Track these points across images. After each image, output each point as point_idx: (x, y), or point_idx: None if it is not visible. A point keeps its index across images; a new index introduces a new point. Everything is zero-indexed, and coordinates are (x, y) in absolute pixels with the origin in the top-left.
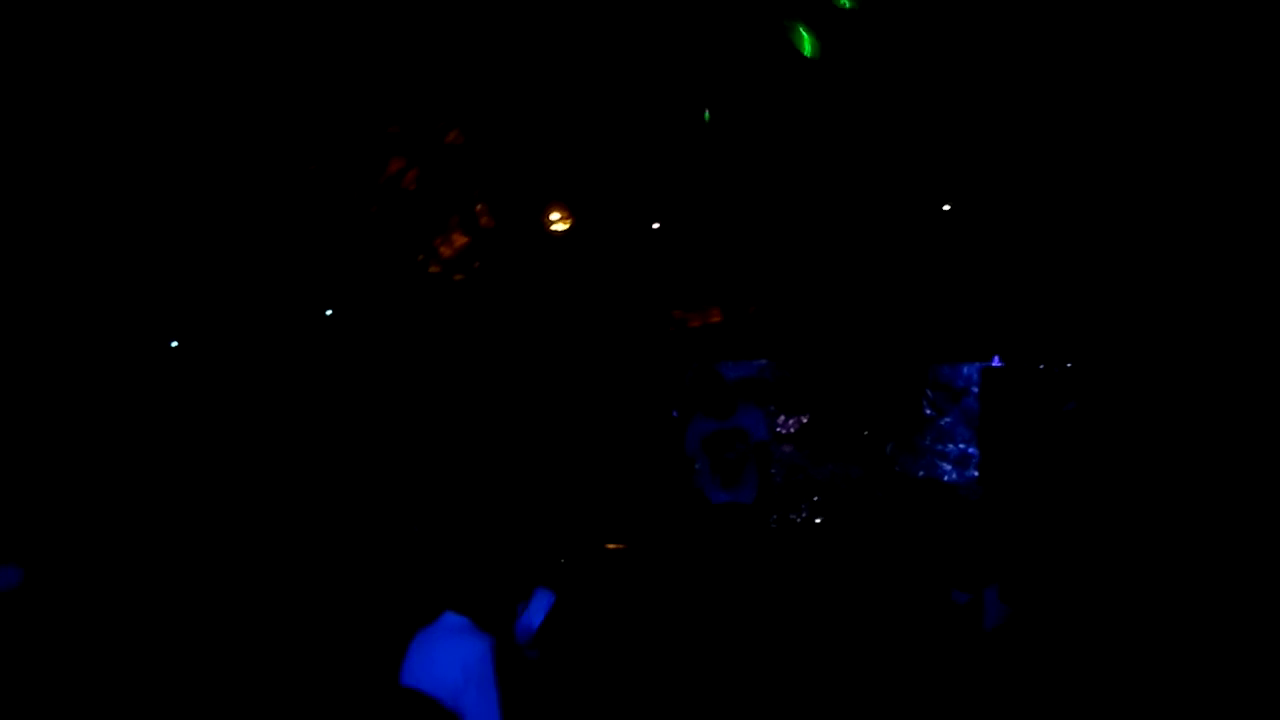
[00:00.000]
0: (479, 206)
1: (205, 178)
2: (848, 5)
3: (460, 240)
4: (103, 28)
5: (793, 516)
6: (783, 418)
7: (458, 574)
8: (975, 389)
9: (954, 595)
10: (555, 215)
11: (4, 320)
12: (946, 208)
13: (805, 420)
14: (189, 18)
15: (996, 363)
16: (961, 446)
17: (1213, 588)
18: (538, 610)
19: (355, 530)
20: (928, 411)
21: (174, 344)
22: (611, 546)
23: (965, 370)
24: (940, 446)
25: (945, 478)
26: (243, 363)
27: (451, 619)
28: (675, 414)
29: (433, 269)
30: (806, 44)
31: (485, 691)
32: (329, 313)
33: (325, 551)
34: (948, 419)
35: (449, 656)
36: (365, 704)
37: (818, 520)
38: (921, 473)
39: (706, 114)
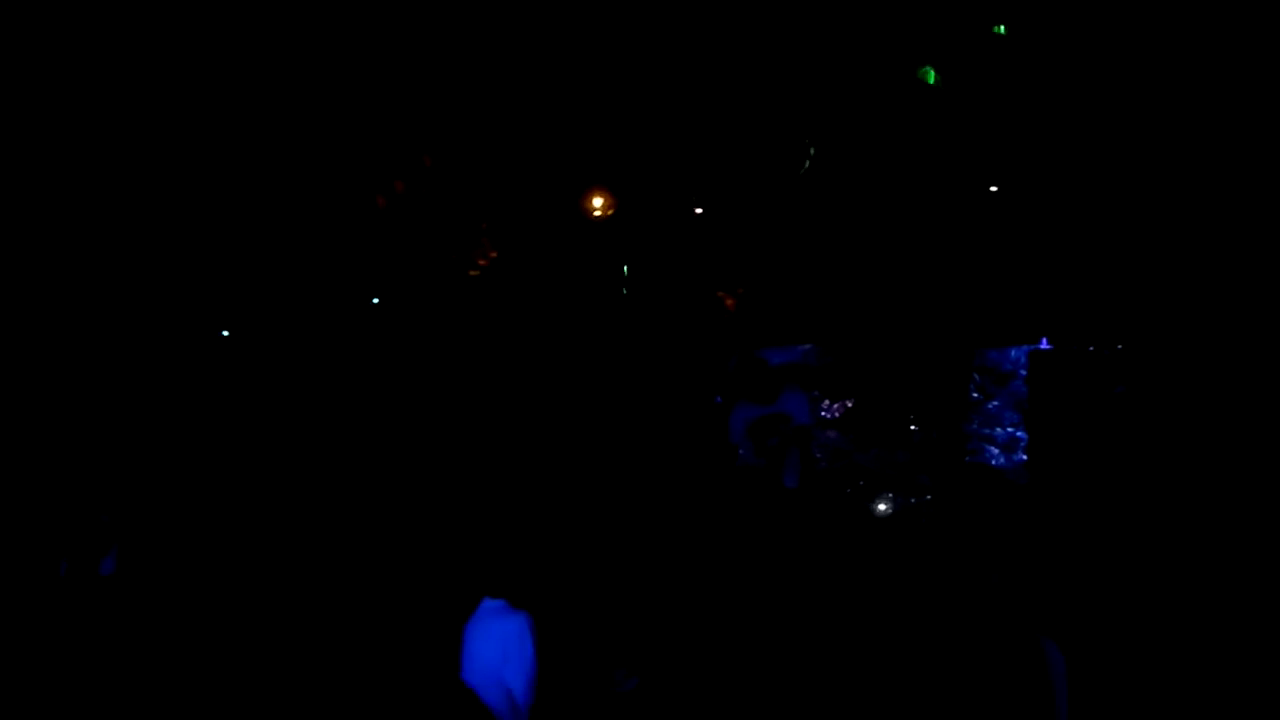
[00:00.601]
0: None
1: (233, 180)
2: (931, 80)
3: (502, 231)
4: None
5: (837, 502)
6: (827, 402)
7: (491, 559)
8: (1023, 372)
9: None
10: (598, 201)
11: (15, 319)
12: (994, 189)
13: (850, 405)
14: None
15: (1045, 345)
16: (1009, 430)
17: (1267, 576)
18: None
19: (385, 521)
20: (974, 395)
21: (225, 333)
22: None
23: (1013, 353)
24: (987, 430)
25: (993, 462)
26: (286, 359)
27: (489, 603)
28: (719, 400)
29: (479, 261)
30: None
31: (523, 664)
32: (375, 301)
33: (359, 545)
34: (995, 402)
35: (487, 637)
36: (417, 695)
37: (863, 505)
38: (968, 457)
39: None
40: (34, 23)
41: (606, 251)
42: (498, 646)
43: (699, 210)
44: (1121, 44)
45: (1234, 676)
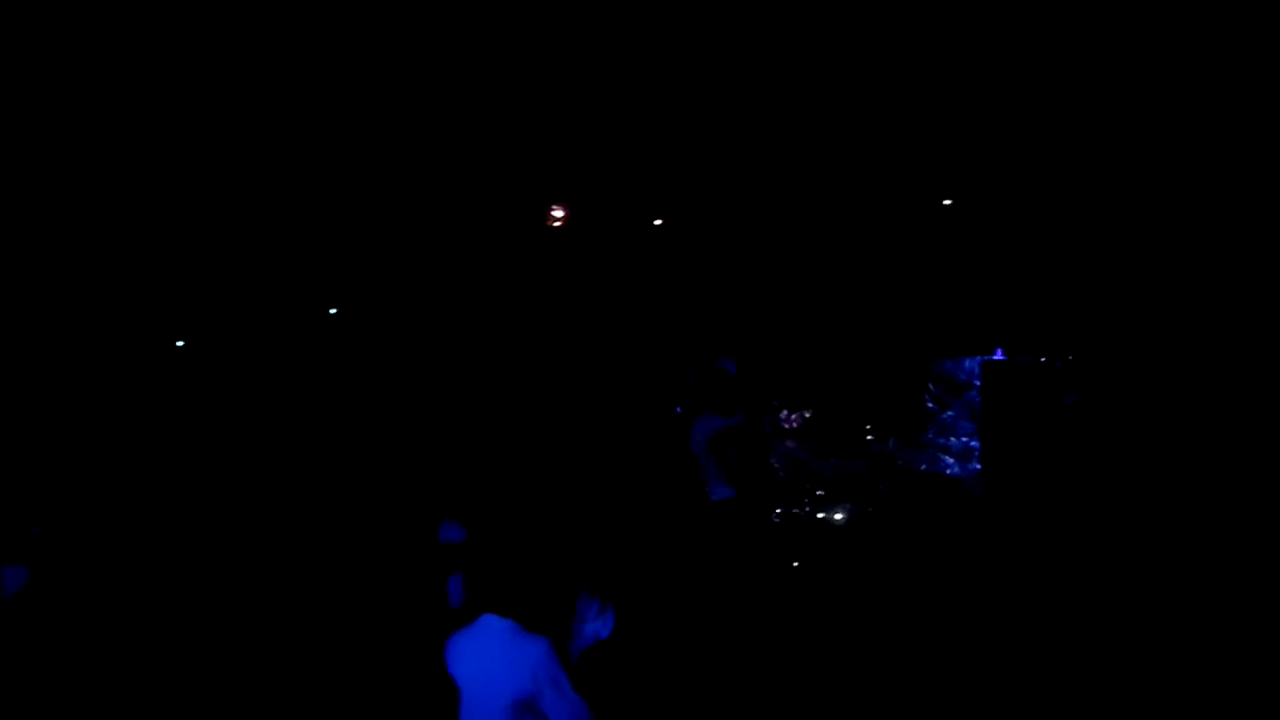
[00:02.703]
0: (484, 206)
1: (221, 181)
2: None
3: (466, 238)
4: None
5: (796, 511)
6: (785, 413)
7: (494, 575)
8: (977, 382)
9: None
10: (556, 211)
11: (7, 320)
12: (948, 203)
13: (808, 415)
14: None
15: (999, 355)
16: (964, 440)
17: (1211, 582)
18: (603, 624)
19: (368, 531)
20: (930, 405)
21: (179, 344)
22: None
23: (967, 364)
24: (943, 440)
25: (948, 471)
26: (272, 366)
27: (494, 621)
28: (679, 411)
29: (439, 268)
30: None
31: (561, 691)
32: (332, 311)
33: (344, 552)
34: (950, 412)
35: (514, 660)
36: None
37: (820, 515)
38: (924, 466)
39: None
40: (34, 23)
41: (565, 262)
42: (527, 671)
43: (658, 222)
44: (1064, 69)
45: (1182, 677)
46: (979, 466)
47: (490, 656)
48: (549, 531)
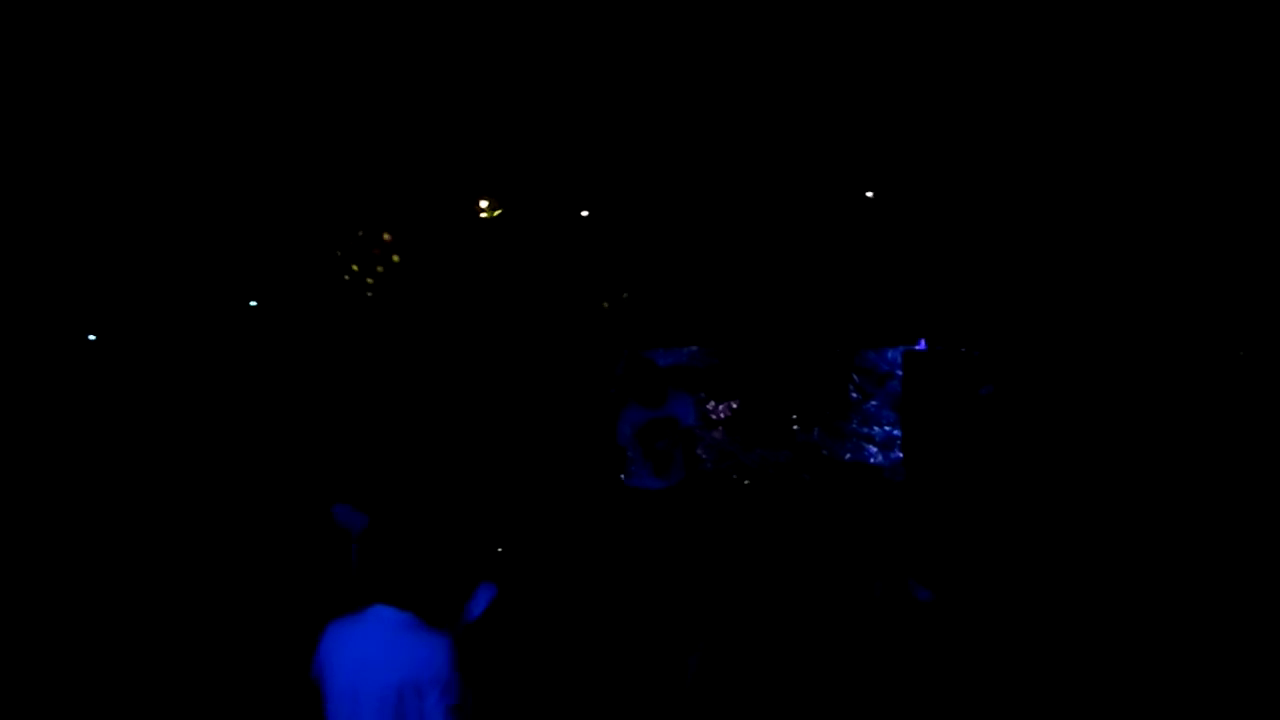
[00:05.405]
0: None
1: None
2: None
3: (391, 232)
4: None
5: (722, 501)
6: (712, 404)
7: (397, 566)
8: (899, 372)
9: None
10: (484, 203)
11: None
12: (870, 194)
13: (734, 406)
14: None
15: (921, 346)
16: (887, 429)
17: (1129, 568)
18: (479, 602)
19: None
20: (854, 395)
21: (91, 337)
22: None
23: (889, 354)
24: (866, 429)
25: (871, 460)
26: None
27: (387, 613)
28: (612, 391)
29: (367, 261)
30: None
31: (448, 693)
32: (254, 304)
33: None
34: (873, 402)
35: (405, 655)
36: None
37: (747, 504)
38: (848, 455)
39: None
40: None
41: (492, 253)
42: (420, 664)
43: (585, 213)
44: (982, 65)
45: (1102, 666)
46: (901, 455)
47: (378, 648)
48: (461, 524)
